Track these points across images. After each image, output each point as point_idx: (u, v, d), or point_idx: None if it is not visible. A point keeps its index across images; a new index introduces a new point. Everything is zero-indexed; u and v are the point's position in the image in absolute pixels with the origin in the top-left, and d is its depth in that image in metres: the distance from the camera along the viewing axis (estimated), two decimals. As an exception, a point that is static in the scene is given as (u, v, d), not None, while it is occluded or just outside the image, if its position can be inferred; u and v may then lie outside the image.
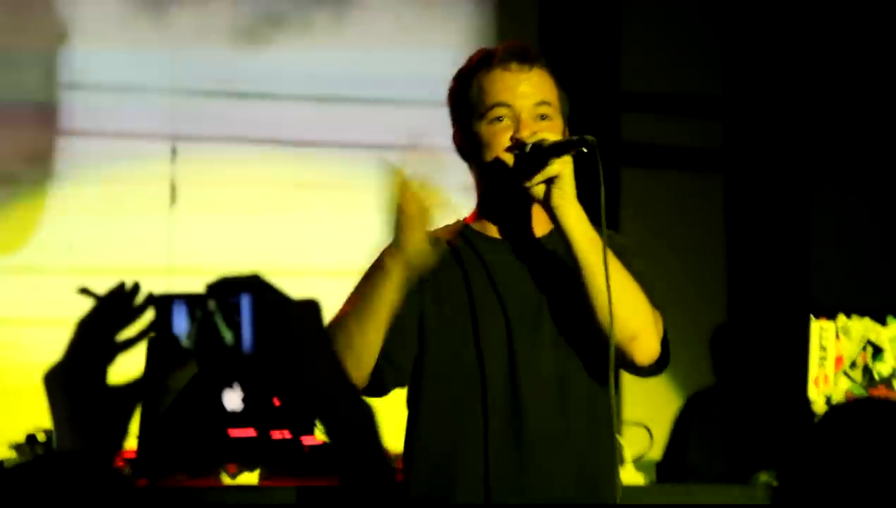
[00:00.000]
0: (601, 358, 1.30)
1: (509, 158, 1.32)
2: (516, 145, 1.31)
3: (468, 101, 1.37)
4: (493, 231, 1.41)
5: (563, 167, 1.28)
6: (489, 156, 1.35)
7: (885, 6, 4.12)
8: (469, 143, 1.39)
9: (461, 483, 1.33)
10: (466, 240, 1.41)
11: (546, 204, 1.31)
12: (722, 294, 4.15)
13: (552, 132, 1.32)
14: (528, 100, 1.35)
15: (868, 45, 4.24)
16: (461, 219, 1.43)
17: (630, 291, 1.30)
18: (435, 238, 1.31)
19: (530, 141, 1.29)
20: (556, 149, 1.28)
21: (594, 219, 1.30)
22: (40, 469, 0.56)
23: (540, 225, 1.39)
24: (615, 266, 1.27)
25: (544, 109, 1.36)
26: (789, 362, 2.62)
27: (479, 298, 1.36)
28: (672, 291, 2.54)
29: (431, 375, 1.36)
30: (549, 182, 1.29)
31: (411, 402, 1.38)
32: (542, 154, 1.28)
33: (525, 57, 1.37)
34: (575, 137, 1.31)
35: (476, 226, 1.43)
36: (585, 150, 1.26)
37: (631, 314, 1.29)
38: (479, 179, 1.41)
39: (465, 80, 1.39)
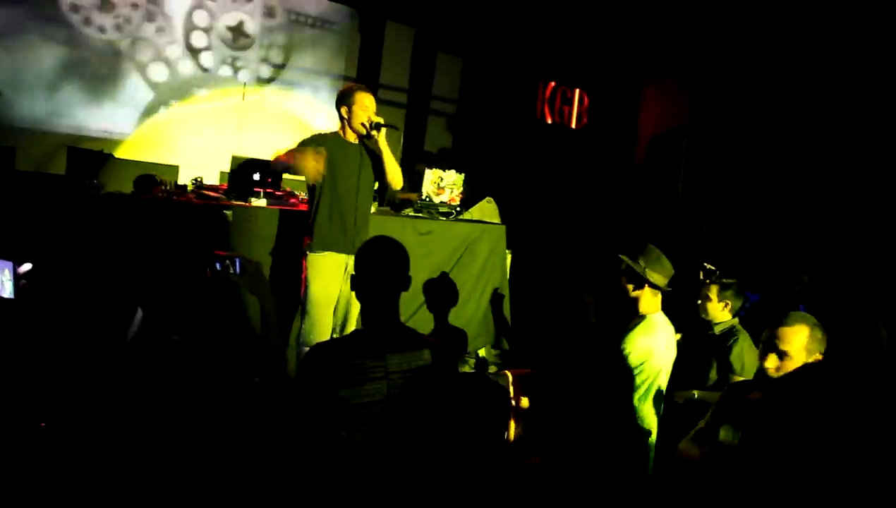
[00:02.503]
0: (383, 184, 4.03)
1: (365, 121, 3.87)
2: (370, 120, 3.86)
3: (352, 98, 3.86)
4: (351, 138, 3.93)
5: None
6: (356, 120, 3.86)
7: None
8: (349, 112, 3.88)
9: (328, 233, 3.79)
10: (342, 140, 3.91)
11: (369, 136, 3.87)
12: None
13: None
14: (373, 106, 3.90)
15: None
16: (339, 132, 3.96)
17: (393, 164, 3.89)
18: (332, 134, 3.96)
19: (374, 120, 3.84)
20: (377, 125, 3.83)
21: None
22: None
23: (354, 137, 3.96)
24: (390, 157, 3.87)
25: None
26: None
27: (345, 157, 3.87)
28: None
29: (329, 178, 3.80)
30: (377, 129, 3.82)
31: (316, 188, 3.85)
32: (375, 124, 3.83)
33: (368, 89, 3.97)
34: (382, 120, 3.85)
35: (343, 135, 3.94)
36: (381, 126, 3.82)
37: (393, 172, 3.90)
38: (348, 122, 3.90)
39: (350, 92, 3.93)
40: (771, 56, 7.22)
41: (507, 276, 5.69)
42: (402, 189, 6.07)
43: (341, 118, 3.90)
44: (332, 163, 3.78)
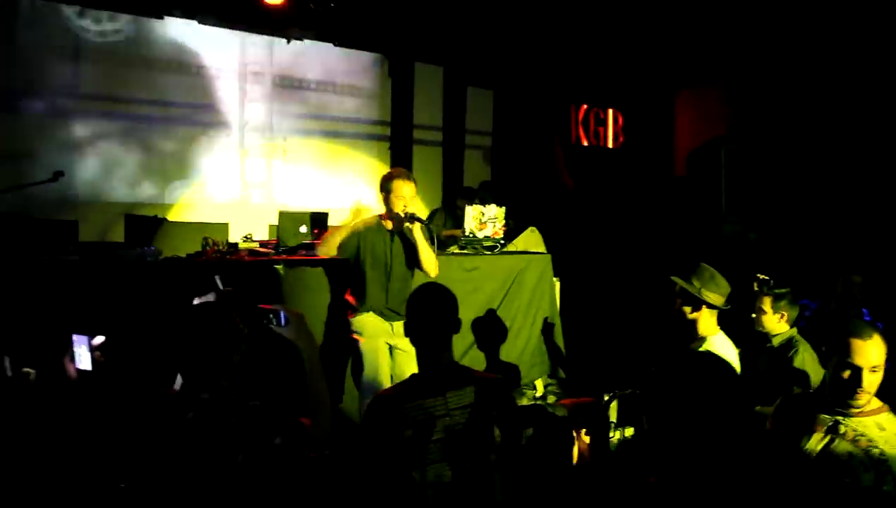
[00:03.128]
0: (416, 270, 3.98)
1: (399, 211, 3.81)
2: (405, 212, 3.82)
3: (389, 185, 3.83)
4: (388, 224, 3.91)
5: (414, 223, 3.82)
6: (392, 208, 3.83)
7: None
8: (386, 199, 3.84)
9: (367, 300, 3.82)
10: (379, 225, 3.90)
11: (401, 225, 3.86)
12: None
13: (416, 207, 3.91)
14: (409, 194, 3.83)
15: None
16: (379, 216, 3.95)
17: (428, 252, 3.86)
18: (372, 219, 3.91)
19: (409, 211, 3.78)
20: (411, 217, 3.78)
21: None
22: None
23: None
24: (425, 246, 3.84)
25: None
26: None
27: (379, 245, 3.86)
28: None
29: (360, 262, 3.83)
30: (410, 221, 3.76)
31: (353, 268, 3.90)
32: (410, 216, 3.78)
33: (409, 176, 3.90)
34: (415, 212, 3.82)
35: (383, 222, 3.92)
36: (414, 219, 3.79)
37: (428, 260, 3.86)
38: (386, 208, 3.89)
39: (389, 179, 3.88)
40: (803, 59, 7.12)
41: (557, 304, 5.69)
42: (446, 225, 6.18)
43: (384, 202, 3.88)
44: (365, 249, 3.81)
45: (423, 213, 3.93)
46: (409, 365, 3.74)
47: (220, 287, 2.46)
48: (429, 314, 2.22)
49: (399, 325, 3.80)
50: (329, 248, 3.77)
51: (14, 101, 6.11)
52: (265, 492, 1.83)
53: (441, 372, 2.19)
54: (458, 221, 6.09)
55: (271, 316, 2.12)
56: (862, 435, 2.28)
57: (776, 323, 3.59)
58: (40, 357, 2.24)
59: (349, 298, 3.92)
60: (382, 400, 2.17)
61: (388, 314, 3.82)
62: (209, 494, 1.78)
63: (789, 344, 3.53)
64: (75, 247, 4.27)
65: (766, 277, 3.67)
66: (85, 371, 2.10)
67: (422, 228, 3.81)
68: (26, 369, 2.31)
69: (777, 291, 3.61)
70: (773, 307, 3.59)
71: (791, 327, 3.62)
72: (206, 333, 1.90)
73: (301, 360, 2.09)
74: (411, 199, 3.80)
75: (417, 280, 3.94)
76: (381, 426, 2.07)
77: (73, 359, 2.12)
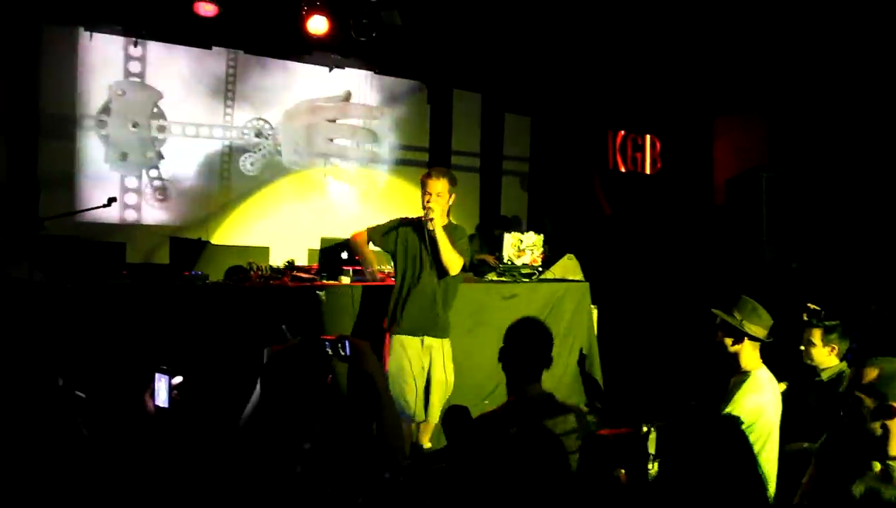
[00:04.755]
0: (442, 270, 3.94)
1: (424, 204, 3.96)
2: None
3: (422, 183, 4.01)
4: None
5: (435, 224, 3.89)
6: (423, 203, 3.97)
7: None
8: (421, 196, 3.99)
9: (397, 319, 3.98)
10: (419, 223, 3.98)
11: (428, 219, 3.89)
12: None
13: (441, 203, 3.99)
14: (434, 190, 3.94)
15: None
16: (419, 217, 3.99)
17: (448, 251, 3.86)
18: (407, 219, 4.14)
19: (430, 206, 3.91)
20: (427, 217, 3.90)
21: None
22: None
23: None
24: (445, 244, 3.86)
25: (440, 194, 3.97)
26: None
27: (414, 239, 4.02)
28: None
29: (402, 262, 4.04)
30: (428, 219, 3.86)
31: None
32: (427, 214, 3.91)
33: (440, 173, 4.05)
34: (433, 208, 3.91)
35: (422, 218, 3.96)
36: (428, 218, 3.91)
37: (448, 259, 3.85)
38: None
39: (423, 176, 4.03)
40: (845, 87, 7.03)
41: (595, 333, 5.64)
42: (481, 250, 6.22)
43: None
44: (401, 247, 4.00)
45: (441, 211, 3.97)
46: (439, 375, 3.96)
47: (289, 337, 2.49)
48: (524, 346, 2.47)
49: (431, 340, 3.94)
50: (358, 249, 4.16)
51: (68, 128, 6.35)
52: None
53: (534, 400, 2.40)
54: (492, 248, 6.16)
55: (338, 346, 2.14)
56: None
57: (826, 356, 3.51)
58: (117, 388, 2.33)
59: (385, 320, 4.02)
60: (483, 425, 2.41)
61: (420, 328, 3.92)
62: None
63: (839, 378, 3.44)
64: (128, 271, 4.39)
65: (818, 308, 3.58)
66: (162, 408, 2.16)
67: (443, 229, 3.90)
68: (78, 392, 2.37)
69: (828, 323, 3.52)
70: (823, 339, 3.50)
71: (840, 360, 3.54)
72: (300, 385, 1.90)
73: (376, 390, 2.10)
74: (437, 196, 3.89)
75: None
76: (485, 450, 2.16)
77: (152, 395, 2.20)
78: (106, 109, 6.46)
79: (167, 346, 3.59)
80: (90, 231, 5.69)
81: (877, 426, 2.12)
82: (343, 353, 2.16)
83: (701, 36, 7.53)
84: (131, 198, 6.63)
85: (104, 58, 6.45)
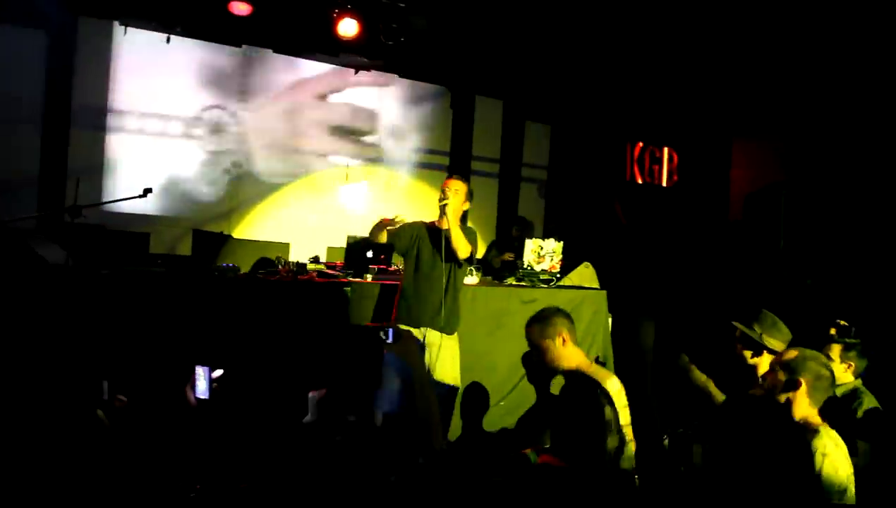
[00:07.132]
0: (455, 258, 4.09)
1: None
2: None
3: (443, 185, 4.21)
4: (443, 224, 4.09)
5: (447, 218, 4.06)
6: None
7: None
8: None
9: (402, 310, 4.15)
10: (433, 226, 4.21)
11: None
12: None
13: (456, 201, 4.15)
14: (452, 187, 4.16)
15: None
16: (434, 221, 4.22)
17: (458, 234, 4.01)
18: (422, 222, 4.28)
19: (441, 204, 4.10)
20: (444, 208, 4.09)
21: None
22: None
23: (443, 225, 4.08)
24: (455, 228, 4.01)
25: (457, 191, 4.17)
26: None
27: (431, 238, 4.16)
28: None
29: (413, 257, 4.19)
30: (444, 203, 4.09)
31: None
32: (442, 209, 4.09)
33: (459, 177, 4.28)
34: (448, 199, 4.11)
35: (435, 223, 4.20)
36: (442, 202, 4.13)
37: (457, 240, 3.99)
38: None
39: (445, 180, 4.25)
40: (864, 107, 7.07)
41: (610, 341, 5.70)
42: (503, 252, 6.31)
43: None
44: (418, 244, 4.17)
45: (456, 205, 4.14)
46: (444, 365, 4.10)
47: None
48: None
49: (433, 335, 4.06)
50: (377, 235, 4.15)
51: (101, 120, 6.47)
52: None
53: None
54: (509, 249, 6.27)
55: (381, 333, 2.22)
56: None
57: (842, 372, 3.53)
58: (157, 382, 2.40)
59: (393, 313, 4.17)
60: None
61: (423, 320, 4.06)
62: None
63: (854, 395, 3.47)
64: (161, 261, 4.46)
65: (847, 324, 3.62)
66: (203, 399, 2.24)
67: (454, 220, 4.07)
68: (121, 396, 2.45)
69: (848, 341, 3.55)
70: (841, 356, 3.53)
71: (855, 378, 3.58)
72: (356, 357, 1.99)
73: (412, 377, 2.17)
74: (454, 191, 4.12)
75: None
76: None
77: (193, 388, 2.27)
78: (135, 105, 6.58)
79: (204, 337, 3.65)
80: (115, 220, 5.80)
81: (783, 397, 2.58)
82: (387, 338, 2.24)
83: (723, 55, 7.59)
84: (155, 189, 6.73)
85: (137, 52, 6.57)
